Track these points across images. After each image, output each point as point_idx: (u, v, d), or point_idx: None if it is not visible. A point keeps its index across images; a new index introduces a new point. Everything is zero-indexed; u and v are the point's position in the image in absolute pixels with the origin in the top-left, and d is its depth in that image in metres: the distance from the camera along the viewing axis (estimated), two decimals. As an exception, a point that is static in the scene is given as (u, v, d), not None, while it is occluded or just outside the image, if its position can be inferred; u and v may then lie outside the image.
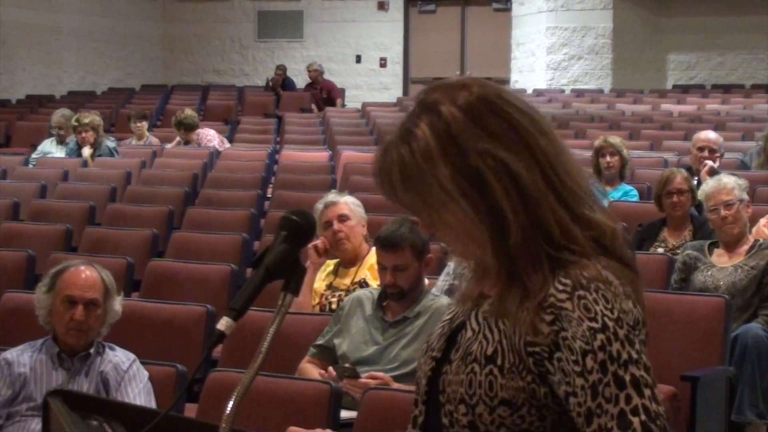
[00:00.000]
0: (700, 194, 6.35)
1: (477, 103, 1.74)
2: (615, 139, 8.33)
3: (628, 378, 1.64)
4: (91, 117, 11.04)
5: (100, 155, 10.86)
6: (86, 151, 10.82)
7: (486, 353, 1.73)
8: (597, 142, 8.34)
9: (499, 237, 1.71)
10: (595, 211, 1.74)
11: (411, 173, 1.73)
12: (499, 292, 1.76)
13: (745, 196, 6.12)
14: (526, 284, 1.71)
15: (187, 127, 11.76)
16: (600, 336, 1.65)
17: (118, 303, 4.30)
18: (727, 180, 6.18)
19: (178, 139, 11.96)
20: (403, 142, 1.75)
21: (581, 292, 1.67)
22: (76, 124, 10.94)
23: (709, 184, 6.27)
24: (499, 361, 1.71)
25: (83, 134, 10.84)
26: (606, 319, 1.66)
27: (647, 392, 1.65)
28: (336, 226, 5.46)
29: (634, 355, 1.66)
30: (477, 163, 1.70)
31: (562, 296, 1.68)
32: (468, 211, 1.71)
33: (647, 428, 1.63)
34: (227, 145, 12.25)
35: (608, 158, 8.13)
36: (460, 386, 1.74)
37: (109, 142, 11.18)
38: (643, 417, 1.63)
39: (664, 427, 1.65)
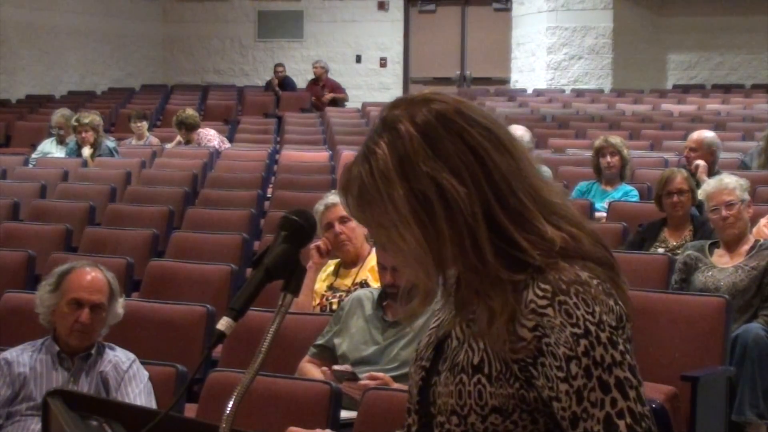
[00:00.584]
0: (701, 194, 6.34)
1: (434, 121, 1.73)
2: (615, 139, 8.33)
3: (612, 381, 1.65)
4: (91, 117, 11.05)
5: (100, 155, 10.86)
6: (86, 151, 10.82)
7: (473, 363, 1.73)
8: (597, 142, 8.34)
9: (444, 264, 1.72)
10: (546, 226, 1.72)
11: (368, 192, 1.73)
12: (472, 311, 1.76)
13: (747, 197, 6.11)
14: (489, 305, 1.71)
15: (188, 127, 11.77)
16: (583, 341, 1.65)
17: (120, 305, 4.29)
18: (729, 180, 6.16)
19: (178, 138, 11.95)
20: (364, 160, 1.75)
21: (561, 297, 1.67)
22: (76, 123, 10.94)
23: (710, 184, 6.25)
24: (486, 370, 1.71)
25: (83, 134, 10.84)
26: (588, 323, 1.66)
27: (632, 394, 1.66)
28: (337, 228, 5.44)
29: (618, 357, 1.66)
30: (425, 186, 1.70)
31: (543, 302, 1.68)
32: (417, 235, 1.71)
33: (633, 431, 1.64)
34: (227, 145, 12.25)
35: (609, 158, 8.13)
36: (450, 398, 1.74)
37: (109, 142, 11.19)
38: (628, 420, 1.64)
39: (649, 428, 1.66)
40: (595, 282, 1.69)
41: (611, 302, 1.69)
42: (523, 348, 1.68)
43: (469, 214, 1.69)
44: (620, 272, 1.75)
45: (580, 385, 1.65)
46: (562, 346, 1.65)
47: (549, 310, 1.67)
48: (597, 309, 1.67)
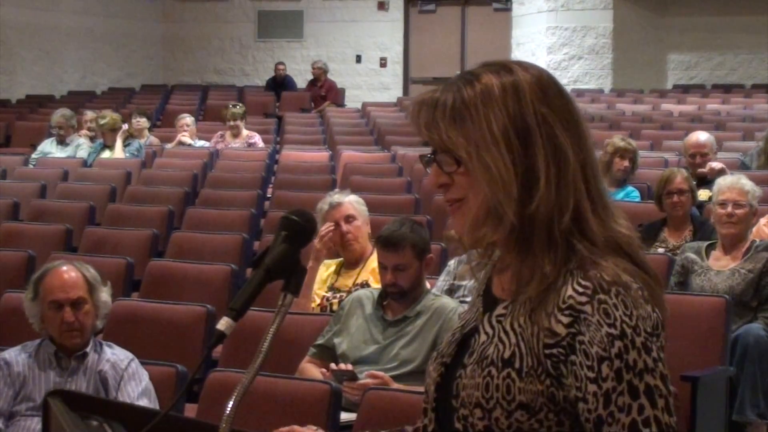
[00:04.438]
0: (714, 186, 6.26)
1: (547, 79, 1.76)
2: (634, 143, 8.28)
3: (642, 387, 1.63)
4: (111, 118, 11.21)
5: (129, 144, 11.05)
6: (119, 144, 10.96)
7: (503, 356, 1.71)
8: (621, 144, 8.11)
9: (525, 198, 1.70)
10: (611, 219, 1.74)
11: (465, 108, 1.73)
12: (516, 280, 1.74)
13: (756, 205, 6.06)
14: (540, 265, 1.70)
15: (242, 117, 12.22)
16: (618, 343, 1.63)
17: (106, 293, 4.27)
18: (746, 182, 6.08)
19: (178, 138, 11.98)
20: (466, 83, 1.75)
21: (602, 296, 1.65)
22: (94, 124, 11.12)
23: (726, 179, 6.17)
24: (517, 365, 1.69)
25: (105, 134, 11.01)
26: (625, 325, 1.64)
27: (660, 402, 1.64)
28: (344, 227, 5.43)
29: (650, 364, 1.65)
30: (533, 122, 1.71)
31: (582, 299, 1.66)
32: (506, 160, 1.70)
33: None
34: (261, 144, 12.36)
35: (626, 162, 8.02)
36: (476, 390, 1.71)
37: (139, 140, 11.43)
38: (654, 429, 1.63)
39: None
40: (635, 286, 1.67)
41: (649, 308, 1.68)
42: (556, 344, 1.66)
43: (572, 170, 1.71)
44: (656, 276, 1.74)
45: (609, 387, 1.63)
46: (596, 345, 1.64)
47: (587, 307, 1.65)
48: (635, 312, 1.65)
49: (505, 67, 1.77)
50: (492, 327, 1.75)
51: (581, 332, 1.65)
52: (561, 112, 1.73)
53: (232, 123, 12.09)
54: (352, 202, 5.54)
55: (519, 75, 1.74)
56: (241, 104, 12.68)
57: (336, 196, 5.58)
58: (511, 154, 1.70)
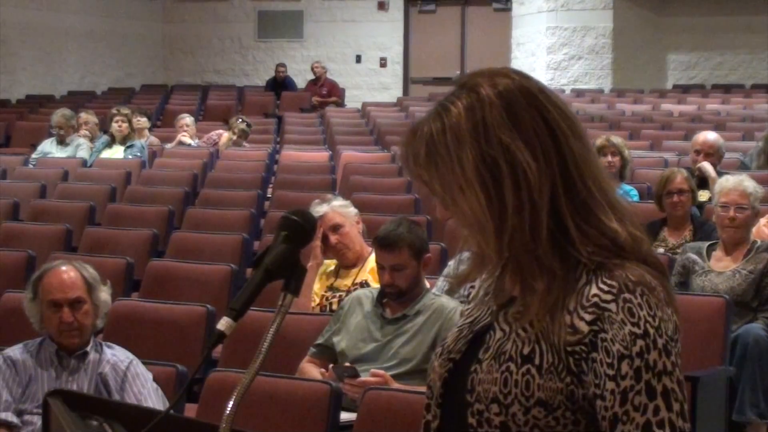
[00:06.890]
0: (717, 186, 6.24)
1: (517, 92, 1.72)
2: (617, 139, 8.29)
3: (659, 389, 1.63)
4: (129, 110, 11.49)
5: (131, 145, 11.04)
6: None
7: (522, 352, 1.70)
8: (599, 142, 8.27)
9: (500, 231, 1.70)
10: (613, 220, 1.71)
11: (437, 149, 1.72)
12: (520, 298, 1.74)
13: (758, 206, 6.03)
14: (532, 286, 1.70)
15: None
16: (640, 342, 1.64)
17: (105, 293, 4.26)
18: (749, 184, 6.04)
19: (178, 138, 11.99)
20: (437, 117, 1.73)
21: (627, 295, 1.66)
22: (115, 112, 11.29)
23: (729, 180, 6.13)
24: (536, 361, 1.69)
25: (120, 124, 11.09)
26: (648, 325, 1.64)
27: (676, 406, 1.64)
28: (332, 239, 5.40)
29: (669, 367, 1.64)
30: (497, 153, 1.69)
31: (607, 297, 1.66)
32: (481, 200, 1.69)
33: None
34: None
35: (609, 158, 8.08)
36: (493, 385, 1.71)
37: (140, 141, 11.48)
38: (667, 431, 1.63)
39: None
40: (659, 288, 1.68)
41: (669, 311, 1.68)
42: (578, 341, 1.66)
43: (536, 190, 1.68)
44: (667, 274, 1.74)
45: (627, 386, 1.63)
46: (618, 343, 1.64)
47: (612, 305, 1.65)
48: (658, 314, 1.65)
49: (474, 88, 1.73)
50: (508, 323, 1.75)
51: (604, 330, 1.65)
52: (532, 127, 1.70)
53: (240, 140, 12.12)
54: (335, 208, 5.47)
55: (485, 97, 1.71)
56: (248, 120, 12.74)
57: (317, 208, 5.46)
58: (485, 192, 1.69)
